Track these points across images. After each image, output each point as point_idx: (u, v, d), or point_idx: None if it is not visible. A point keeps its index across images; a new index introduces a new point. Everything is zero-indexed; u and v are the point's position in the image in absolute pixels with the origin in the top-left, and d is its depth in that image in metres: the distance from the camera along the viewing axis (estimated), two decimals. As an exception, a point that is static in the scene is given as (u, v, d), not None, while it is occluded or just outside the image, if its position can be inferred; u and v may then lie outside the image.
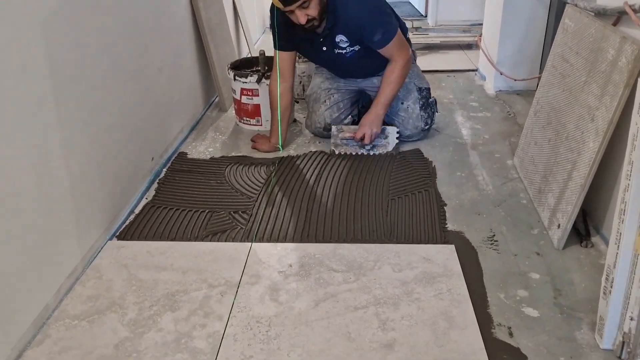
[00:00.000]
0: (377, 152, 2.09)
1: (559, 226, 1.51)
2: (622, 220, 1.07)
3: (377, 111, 2.06)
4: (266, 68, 2.32)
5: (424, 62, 3.32)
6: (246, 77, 2.24)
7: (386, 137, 2.11)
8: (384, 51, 2.02)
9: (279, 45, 2.07)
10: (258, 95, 2.26)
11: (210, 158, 2.08)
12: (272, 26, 2.05)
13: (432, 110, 2.20)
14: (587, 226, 1.58)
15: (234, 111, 2.43)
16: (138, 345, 1.17)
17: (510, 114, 2.48)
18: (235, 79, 2.26)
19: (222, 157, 2.09)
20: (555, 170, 1.60)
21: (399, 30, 2.04)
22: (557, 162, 1.59)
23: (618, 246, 1.09)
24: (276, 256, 1.47)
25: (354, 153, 2.08)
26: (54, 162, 1.31)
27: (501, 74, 2.67)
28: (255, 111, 2.30)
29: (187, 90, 2.32)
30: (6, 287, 1.13)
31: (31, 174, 1.22)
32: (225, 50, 2.70)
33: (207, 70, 2.54)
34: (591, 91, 1.47)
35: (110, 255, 1.48)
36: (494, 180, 1.89)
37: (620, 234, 1.08)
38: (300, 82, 2.69)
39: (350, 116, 2.21)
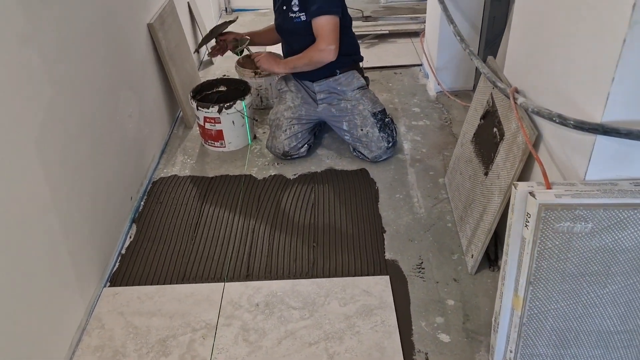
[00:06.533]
0: None
1: (472, 256, 1.87)
2: (503, 284, 1.43)
3: (277, 62, 2.41)
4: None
5: (374, 54, 3.56)
6: (208, 108, 2.46)
7: None
8: (313, 24, 2.23)
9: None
10: (220, 123, 2.50)
11: (181, 190, 2.35)
12: None
13: (391, 128, 2.44)
14: (497, 250, 1.96)
15: (198, 130, 2.66)
16: (142, 390, 1.52)
17: (447, 122, 2.79)
18: (197, 109, 2.49)
19: (191, 180, 2.36)
20: (473, 206, 1.94)
21: (337, 19, 2.23)
22: (474, 200, 1.93)
23: (501, 300, 1.46)
24: (245, 295, 1.81)
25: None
26: (51, 219, 1.55)
27: (439, 84, 2.95)
28: (219, 136, 2.54)
29: (155, 119, 2.54)
30: (26, 347, 1.42)
31: (33, 232, 1.47)
32: (186, 67, 2.88)
33: (169, 89, 2.73)
34: (500, 149, 1.79)
35: (107, 303, 1.79)
36: (427, 202, 2.23)
37: (502, 292, 1.44)
38: (259, 94, 2.91)
39: (306, 144, 2.49)
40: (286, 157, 2.48)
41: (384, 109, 2.47)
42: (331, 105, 2.45)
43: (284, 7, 2.30)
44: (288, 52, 2.46)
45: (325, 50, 2.24)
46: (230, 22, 2.67)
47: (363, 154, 2.45)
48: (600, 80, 1.19)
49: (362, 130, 2.40)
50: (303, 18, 2.27)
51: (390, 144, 2.45)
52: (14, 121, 1.38)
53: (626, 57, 1.11)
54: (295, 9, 2.26)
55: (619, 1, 1.11)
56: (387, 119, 2.45)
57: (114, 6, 2.11)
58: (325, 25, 2.22)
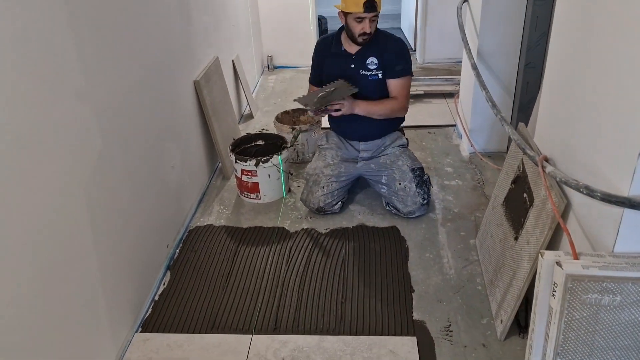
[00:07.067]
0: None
1: (501, 321, 1.85)
2: (531, 353, 1.42)
3: (356, 103, 2.40)
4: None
5: (409, 114, 3.63)
6: (245, 161, 2.56)
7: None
8: (395, 83, 2.43)
9: (311, 78, 2.65)
10: (257, 175, 2.59)
11: (216, 239, 2.42)
12: (312, 59, 2.61)
13: (427, 186, 2.51)
14: (527, 316, 1.93)
15: (235, 181, 2.76)
16: None
17: (479, 183, 2.80)
18: (236, 162, 2.59)
19: (226, 230, 2.44)
20: (503, 270, 1.93)
21: (410, 81, 2.50)
22: (504, 264, 1.93)
23: (529, 370, 1.44)
24: (272, 349, 1.83)
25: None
26: (91, 264, 1.63)
27: (471, 145, 2.99)
28: (255, 188, 2.63)
29: (195, 170, 2.66)
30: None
31: (72, 275, 1.55)
32: (227, 120, 3.02)
33: (210, 142, 2.86)
34: (530, 215, 1.79)
35: (138, 349, 1.84)
36: (457, 263, 2.23)
37: (530, 362, 1.43)
38: (295, 149, 3.01)
39: (340, 202, 2.55)
40: (319, 212, 2.53)
41: (422, 167, 2.53)
42: (371, 161, 2.53)
43: (352, 66, 2.44)
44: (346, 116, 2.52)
45: (404, 107, 2.48)
46: (353, 90, 2.38)
47: (397, 208, 2.49)
48: (626, 155, 1.22)
49: (400, 184, 2.46)
50: (380, 76, 2.43)
51: (425, 201, 2.49)
52: (66, 170, 1.49)
53: (652, 134, 1.14)
54: (372, 67, 2.42)
55: (644, 80, 1.15)
56: (424, 177, 2.51)
57: (164, 65, 2.27)
58: (406, 85, 2.46)
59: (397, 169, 2.47)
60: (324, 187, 2.51)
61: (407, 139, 2.63)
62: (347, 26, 2.37)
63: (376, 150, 2.55)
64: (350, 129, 2.55)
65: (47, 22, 1.41)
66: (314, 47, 2.62)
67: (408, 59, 2.46)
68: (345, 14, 2.34)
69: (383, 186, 2.51)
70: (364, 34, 2.33)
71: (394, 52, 2.42)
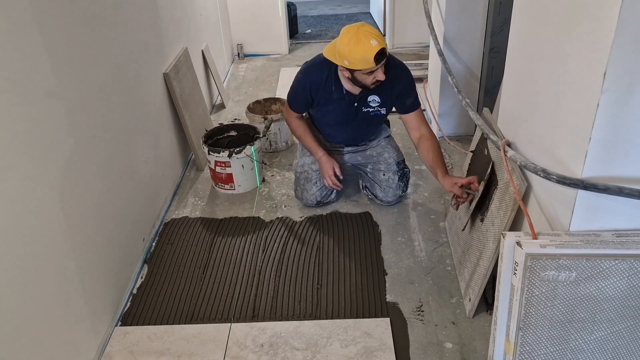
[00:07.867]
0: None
1: (469, 300, 1.94)
2: (496, 328, 1.50)
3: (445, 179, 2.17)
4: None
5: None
6: (219, 153, 2.59)
7: None
8: (413, 118, 2.34)
9: (294, 107, 2.44)
10: (230, 166, 2.61)
11: (191, 231, 2.45)
12: (296, 90, 2.38)
13: (408, 177, 2.58)
14: (494, 294, 2.01)
15: (209, 172, 2.78)
16: None
17: (449, 166, 2.88)
18: (209, 154, 2.61)
19: (202, 221, 2.46)
20: (470, 251, 2.01)
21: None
22: (471, 245, 2.01)
23: (494, 344, 1.52)
24: (251, 336, 1.88)
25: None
26: (68, 260, 1.65)
27: (439, 130, 3.06)
28: (229, 179, 2.65)
29: (169, 162, 2.67)
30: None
31: (50, 272, 1.57)
32: (199, 112, 3.02)
33: (182, 134, 2.87)
34: (494, 197, 1.87)
35: (118, 342, 1.87)
36: (427, 245, 2.30)
37: (495, 337, 1.51)
38: (268, 138, 3.04)
39: (334, 192, 2.59)
40: (319, 205, 2.57)
41: (404, 160, 2.59)
42: (357, 153, 2.57)
43: (355, 104, 2.33)
44: (338, 137, 2.51)
45: (435, 136, 2.36)
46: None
47: (377, 196, 2.55)
48: (579, 140, 1.29)
49: (384, 175, 2.52)
50: (383, 112, 2.38)
51: (404, 192, 2.57)
52: (39, 168, 1.50)
53: (600, 119, 1.21)
54: (374, 105, 2.34)
55: (593, 71, 1.22)
56: (406, 169, 2.58)
57: (133, 58, 2.27)
58: (421, 116, 2.36)
59: (384, 162, 2.53)
60: (316, 183, 2.53)
61: (387, 121, 2.64)
62: (355, 79, 2.16)
63: (360, 147, 2.59)
64: (337, 138, 2.53)
65: (14, 21, 1.40)
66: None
67: (415, 87, 2.35)
68: (351, 70, 2.11)
69: (367, 174, 2.57)
70: (378, 82, 2.15)
71: (402, 87, 2.30)
